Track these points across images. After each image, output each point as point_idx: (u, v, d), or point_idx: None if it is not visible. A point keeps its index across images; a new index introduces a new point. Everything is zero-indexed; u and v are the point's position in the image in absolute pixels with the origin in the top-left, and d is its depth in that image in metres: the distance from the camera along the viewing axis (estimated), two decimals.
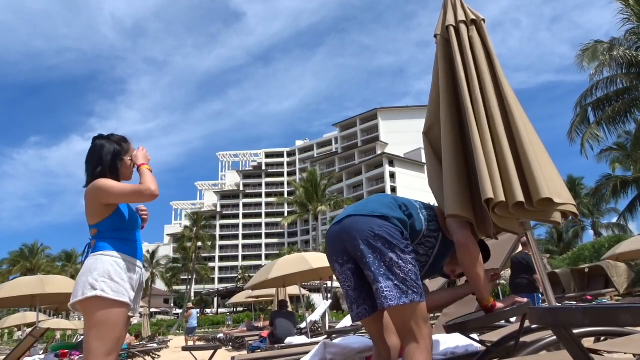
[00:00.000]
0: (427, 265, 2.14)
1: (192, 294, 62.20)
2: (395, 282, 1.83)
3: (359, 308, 2.02)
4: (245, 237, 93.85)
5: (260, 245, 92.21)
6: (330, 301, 15.83)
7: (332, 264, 2.08)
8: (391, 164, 76.08)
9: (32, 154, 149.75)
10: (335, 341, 2.83)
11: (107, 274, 2.27)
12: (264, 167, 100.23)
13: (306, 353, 3.29)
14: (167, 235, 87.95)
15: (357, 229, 1.94)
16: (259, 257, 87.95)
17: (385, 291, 1.82)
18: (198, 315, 51.13)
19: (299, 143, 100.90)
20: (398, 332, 1.93)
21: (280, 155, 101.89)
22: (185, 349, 7.08)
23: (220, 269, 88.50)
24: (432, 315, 5.13)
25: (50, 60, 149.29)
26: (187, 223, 56.38)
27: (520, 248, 7.06)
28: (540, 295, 7.13)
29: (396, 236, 1.90)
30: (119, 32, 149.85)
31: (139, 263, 2.46)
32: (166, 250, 69.36)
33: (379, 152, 79.72)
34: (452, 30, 2.30)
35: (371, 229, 1.90)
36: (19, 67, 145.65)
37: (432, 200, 2.45)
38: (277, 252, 70.08)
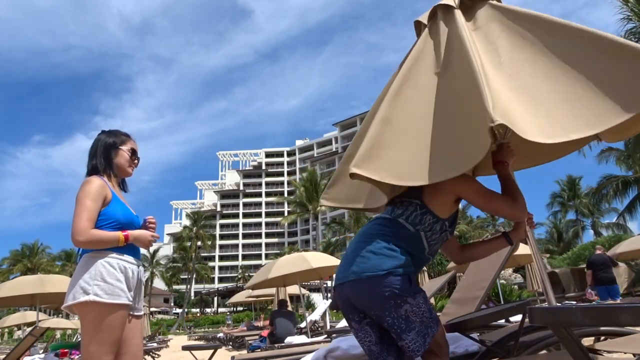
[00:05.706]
0: (450, 231, 2.11)
1: (192, 294, 62.18)
2: (417, 329, 1.86)
3: None
4: (245, 236, 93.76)
5: (260, 244, 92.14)
6: (330, 300, 15.80)
7: (349, 322, 2.07)
8: None
9: (36, 153, 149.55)
10: (340, 345, 2.77)
11: (100, 276, 2.18)
12: (264, 167, 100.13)
13: (306, 353, 3.28)
14: (167, 234, 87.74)
15: (365, 295, 1.92)
16: (259, 256, 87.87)
17: (411, 344, 1.85)
18: (198, 314, 51.72)
19: (299, 142, 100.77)
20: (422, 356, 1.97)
21: (280, 154, 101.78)
22: (185, 348, 7.07)
23: (220, 268, 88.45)
24: None
25: (56, 57, 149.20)
26: (187, 222, 56.35)
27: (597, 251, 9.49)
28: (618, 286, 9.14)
29: (404, 287, 1.88)
30: (125, 30, 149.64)
31: (133, 260, 2.35)
32: (166, 249, 69.20)
33: None
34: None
35: (381, 293, 1.87)
36: (24, 64, 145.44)
37: None
38: (277, 251, 70.08)
